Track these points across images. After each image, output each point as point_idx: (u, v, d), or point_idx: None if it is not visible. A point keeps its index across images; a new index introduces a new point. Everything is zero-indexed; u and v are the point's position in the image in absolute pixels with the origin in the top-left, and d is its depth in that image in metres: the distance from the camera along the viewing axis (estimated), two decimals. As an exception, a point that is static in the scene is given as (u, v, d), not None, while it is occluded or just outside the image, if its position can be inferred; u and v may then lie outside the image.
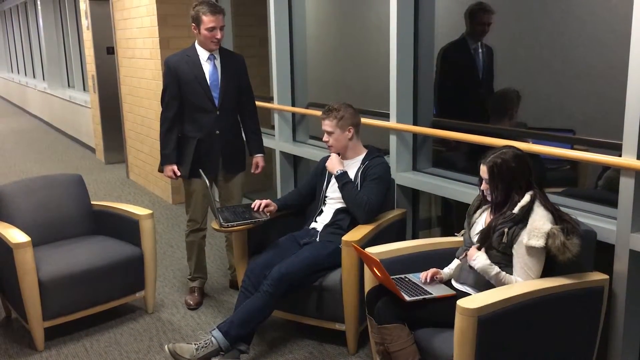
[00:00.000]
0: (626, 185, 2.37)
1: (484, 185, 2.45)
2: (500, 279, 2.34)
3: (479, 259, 2.37)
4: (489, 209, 2.53)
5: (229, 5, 5.33)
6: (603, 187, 2.91)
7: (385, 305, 2.44)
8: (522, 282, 2.31)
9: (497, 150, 2.43)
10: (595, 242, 2.45)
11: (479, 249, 2.41)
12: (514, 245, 2.34)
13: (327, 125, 3.09)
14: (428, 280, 2.53)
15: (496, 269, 2.35)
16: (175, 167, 3.48)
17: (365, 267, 2.66)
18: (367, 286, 2.65)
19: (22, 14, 13.94)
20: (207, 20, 3.29)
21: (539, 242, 2.25)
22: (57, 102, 10.73)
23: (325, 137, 3.13)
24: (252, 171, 3.68)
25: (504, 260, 2.37)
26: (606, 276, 2.40)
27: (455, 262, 2.61)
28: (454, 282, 2.57)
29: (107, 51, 7.55)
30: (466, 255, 2.45)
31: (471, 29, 3.54)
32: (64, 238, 3.53)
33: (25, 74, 14.86)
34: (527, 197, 2.35)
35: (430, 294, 2.44)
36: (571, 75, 3.45)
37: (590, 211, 2.66)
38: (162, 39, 5.52)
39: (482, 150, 2.50)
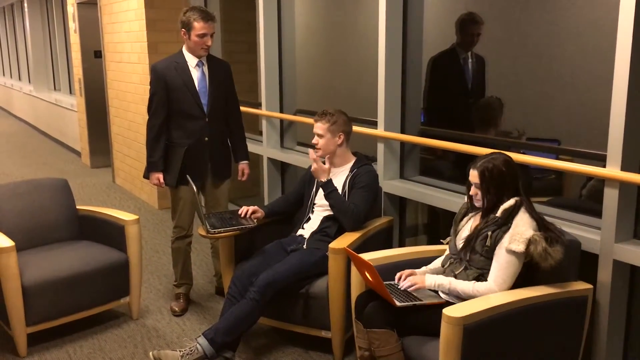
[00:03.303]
0: (610, 196, 2.40)
1: (473, 190, 2.45)
2: (453, 287, 2.39)
3: (428, 281, 2.43)
4: (476, 216, 2.53)
5: (218, 11, 5.33)
6: (587, 197, 2.94)
7: (375, 310, 2.44)
8: (498, 288, 2.31)
9: (488, 156, 2.44)
10: (579, 251, 2.47)
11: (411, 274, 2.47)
12: (496, 248, 2.35)
13: (319, 128, 3.10)
14: (403, 278, 2.52)
15: (445, 283, 2.40)
16: (161, 176, 3.45)
17: (353, 274, 2.66)
18: (354, 293, 2.66)
19: (9, 16, 13.82)
20: (199, 26, 3.28)
21: (519, 247, 2.27)
22: (43, 105, 10.64)
23: (315, 140, 3.13)
24: (239, 178, 3.68)
25: (488, 265, 2.38)
26: (590, 286, 2.42)
27: (435, 263, 2.63)
28: (440, 293, 2.57)
29: (94, 55, 7.50)
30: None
31: (461, 39, 3.58)
32: (49, 243, 3.50)
33: (11, 76, 14.72)
34: (511, 201, 2.36)
35: (421, 300, 2.45)
36: (558, 86, 3.49)
37: (575, 221, 2.68)
38: (151, 43, 5.51)
39: (469, 159, 2.51)
